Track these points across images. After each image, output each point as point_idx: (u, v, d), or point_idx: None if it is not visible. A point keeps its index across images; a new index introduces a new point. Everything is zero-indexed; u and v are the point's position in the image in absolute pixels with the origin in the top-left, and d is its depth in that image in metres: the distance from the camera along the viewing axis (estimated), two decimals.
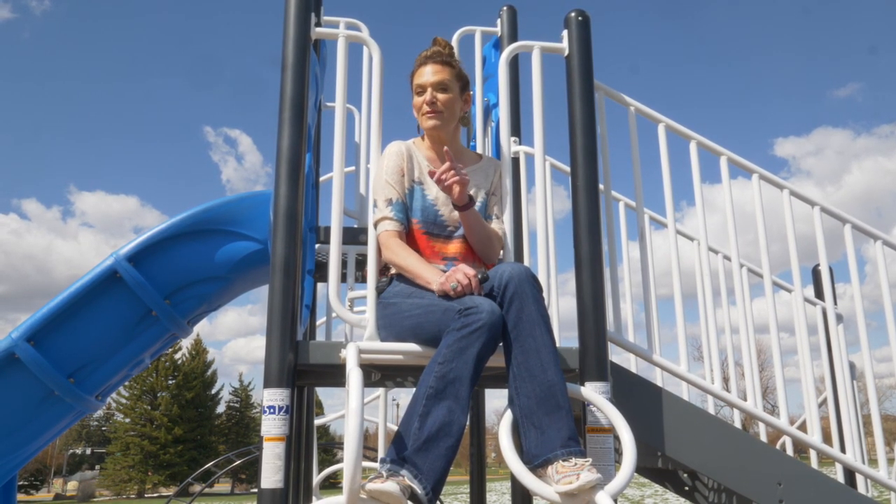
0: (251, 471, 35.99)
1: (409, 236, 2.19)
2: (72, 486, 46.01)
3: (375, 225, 2.15)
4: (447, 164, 2.06)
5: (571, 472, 1.62)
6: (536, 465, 1.72)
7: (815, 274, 4.42)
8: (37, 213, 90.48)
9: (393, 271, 2.19)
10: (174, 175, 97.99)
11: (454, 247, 2.21)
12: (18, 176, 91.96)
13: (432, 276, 1.99)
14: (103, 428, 54.48)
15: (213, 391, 43.17)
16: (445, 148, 2.10)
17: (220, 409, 45.48)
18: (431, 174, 2.09)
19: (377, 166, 2.22)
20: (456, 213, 2.20)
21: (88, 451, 54.62)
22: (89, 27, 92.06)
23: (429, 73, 2.24)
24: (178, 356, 41.79)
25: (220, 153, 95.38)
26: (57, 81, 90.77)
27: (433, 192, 2.23)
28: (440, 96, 2.22)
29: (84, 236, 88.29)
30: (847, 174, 78.54)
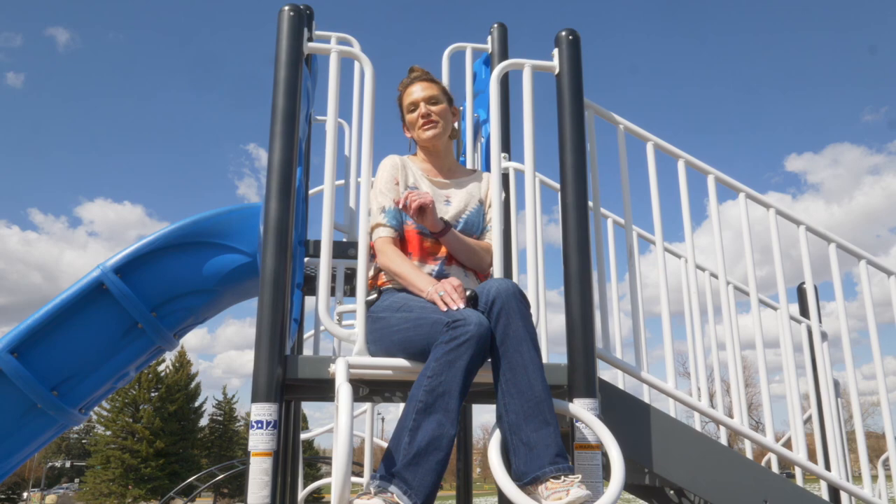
0: (234, 485, 35.60)
1: (403, 238, 2.25)
2: (50, 499, 45.26)
3: (371, 231, 2.21)
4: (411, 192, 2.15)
5: (561, 489, 1.62)
6: (526, 482, 1.71)
7: (801, 292, 4.47)
8: (45, 224, 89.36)
9: (382, 279, 2.21)
10: (193, 189, 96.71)
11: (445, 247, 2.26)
12: (26, 186, 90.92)
13: (424, 283, 2.02)
14: (83, 441, 53.69)
15: (197, 404, 42.71)
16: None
17: (204, 422, 44.98)
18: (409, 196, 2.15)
19: (375, 179, 2.28)
20: (448, 214, 2.28)
21: (68, 464, 53.76)
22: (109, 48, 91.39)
23: (418, 91, 2.36)
24: (161, 368, 41.30)
25: (235, 167, 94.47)
26: (80, 97, 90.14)
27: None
28: (433, 108, 2.34)
29: (92, 246, 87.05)
30: (858, 191, 78.29)
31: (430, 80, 2.41)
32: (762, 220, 2.67)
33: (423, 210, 2.16)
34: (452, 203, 2.33)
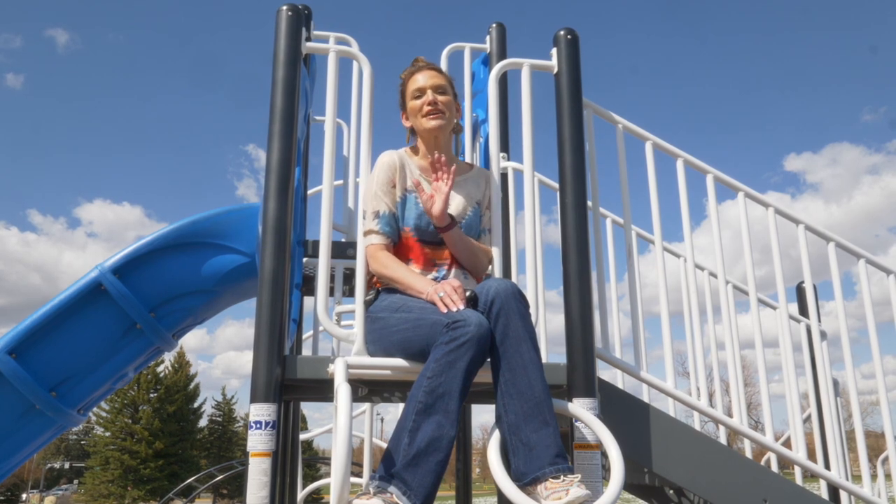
0: (233, 486, 35.56)
1: (402, 244, 2.19)
2: (49, 501, 45.22)
3: (363, 236, 2.16)
4: (447, 166, 2.10)
5: (561, 489, 1.61)
6: (526, 483, 1.71)
7: (800, 291, 4.47)
8: (44, 224, 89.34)
9: (377, 280, 2.19)
10: (192, 189, 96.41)
11: (447, 253, 2.20)
12: (25, 187, 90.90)
13: (423, 285, 2.00)
14: (83, 441, 53.63)
15: (196, 405, 42.67)
16: (439, 156, 2.11)
17: (203, 422, 44.93)
18: (433, 164, 2.10)
19: (370, 177, 2.23)
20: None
21: (67, 466, 53.72)
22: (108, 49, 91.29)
23: (426, 78, 2.26)
24: (160, 369, 41.25)
25: (234, 168, 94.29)
26: (77, 98, 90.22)
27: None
28: (440, 98, 2.25)
29: (91, 247, 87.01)
30: (857, 191, 78.08)
31: (438, 70, 2.32)
32: (761, 220, 2.67)
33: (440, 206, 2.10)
34: (451, 205, 2.26)
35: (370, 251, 2.13)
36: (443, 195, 2.09)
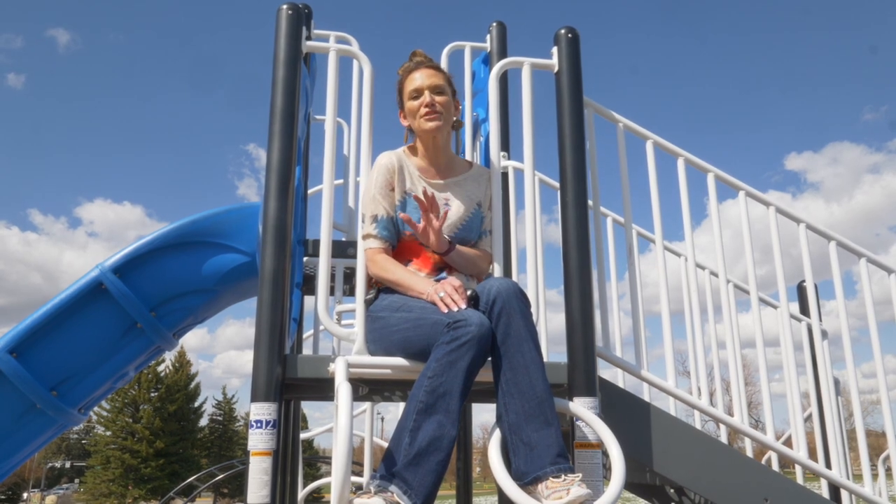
0: (234, 485, 35.58)
1: (405, 247, 2.19)
2: (50, 500, 45.26)
3: (363, 240, 2.16)
4: (435, 203, 2.09)
5: (562, 488, 1.61)
6: (526, 482, 1.71)
7: (801, 290, 4.47)
8: (45, 224, 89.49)
9: (377, 280, 2.18)
10: (193, 189, 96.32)
11: None
12: (26, 187, 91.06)
13: (423, 286, 1.99)
14: (83, 441, 53.71)
15: (197, 404, 42.68)
16: (424, 190, 2.09)
17: (204, 422, 44.97)
18: (420, 203, 2.09)
19: (368, 178, 2.22)
20: (448, 221, 2.20)
21: (68, 465, 53.77)
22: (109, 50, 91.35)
23: (423, 78, 2.22)
24: (160, 368, 41.29)
25: (235, 168, 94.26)
26: (78, 98, 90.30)
27: None
28: (438, 98, 2.21)
29: (91, 246, 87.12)
30: (858, 190, 78.02)
31: (436, 68, 2.27)
32: (762, 219, 2.67)
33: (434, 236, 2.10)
34: (452, 207, 2.25)
35: (369, 255, 2.13)
36: (436, 232, 2.09)
